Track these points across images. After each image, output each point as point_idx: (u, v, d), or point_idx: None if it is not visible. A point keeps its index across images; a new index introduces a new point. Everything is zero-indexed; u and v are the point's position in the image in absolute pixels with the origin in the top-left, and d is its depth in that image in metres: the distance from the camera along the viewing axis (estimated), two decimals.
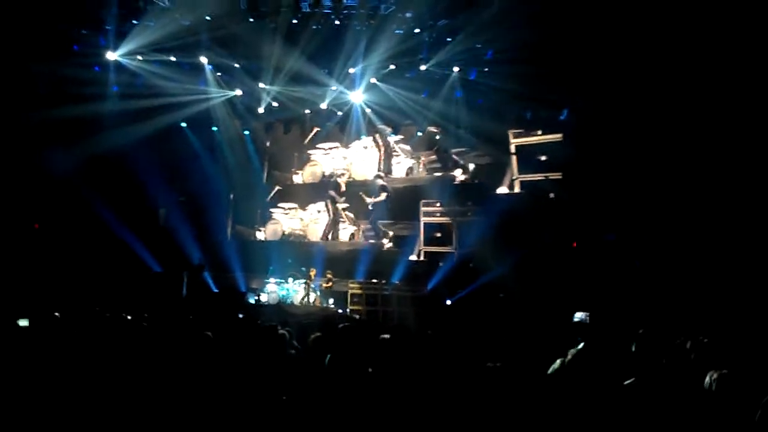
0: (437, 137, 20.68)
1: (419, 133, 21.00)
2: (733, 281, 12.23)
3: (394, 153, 21.45)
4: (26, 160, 18.01)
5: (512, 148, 18.68)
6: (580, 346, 6.05)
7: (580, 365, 5.59)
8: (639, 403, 5.00)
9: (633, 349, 6.97)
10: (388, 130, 21.03)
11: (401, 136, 21.34)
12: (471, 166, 19.74)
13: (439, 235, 18.24)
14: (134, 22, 18.02)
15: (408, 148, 21.42)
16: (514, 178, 18.55)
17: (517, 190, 18.39)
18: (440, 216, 18.49)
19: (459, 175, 19.81)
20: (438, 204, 18.61)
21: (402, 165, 21.41)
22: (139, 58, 19.16)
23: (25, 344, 6.71)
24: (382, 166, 21.22)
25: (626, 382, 5.30)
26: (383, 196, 19.46)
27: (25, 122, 17.93)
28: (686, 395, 4.96)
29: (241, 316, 8.73)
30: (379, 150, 21.60)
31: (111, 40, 18.57)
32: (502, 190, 18.67)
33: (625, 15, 14.13)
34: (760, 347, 6.26)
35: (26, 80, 18.01)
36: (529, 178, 18.13)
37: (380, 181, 19.97)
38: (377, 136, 21.45)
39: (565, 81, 15.93)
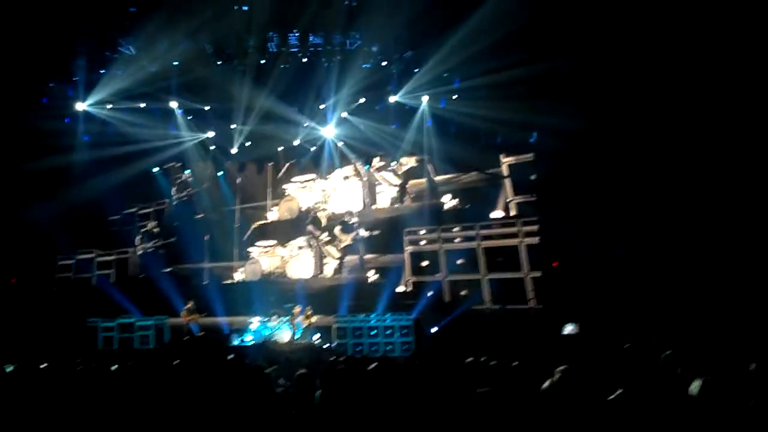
0: (422, 165, 20.32)
1: (393, 163, 20.81)
2: (707, 291, 12.42)
3: (377, 182, 21.08)
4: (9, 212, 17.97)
5: (504, 170, 18.46)
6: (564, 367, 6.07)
7: (569, 383, 5.59)
8: (627, 415, 5.02)
9: (620, 361, 7.04)
10: (362, 161, 20.99)
11: (382, 163, 21.04)
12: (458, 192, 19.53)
13: (426, 263, 17.85)
14: (102, 71, 18.07)
15: (391, 176, 21.03)
16: (508, 200, 18.29)
17: (513, 212, 18.01)
18: (426, 244, 18.13)
19: (448, 201, 19.44)
20: (423, 231, 18.28)
21: (385, 194, 20.94)
22: (109, 106, 19.21)
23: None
24: (365, 198, 20.90)
25: (613, 396, 5.32)
26: (362, 233, 19.39)
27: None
28: (672, 404, 5.00)
29: (231, 357, 8.66)
30: (361, 180, 21.15)
31: (80, 91, 18.62)
32: (497, 213, 18.33)
33: (585, 37, 14.46)
34: (740, 353, 6.34)
35: None
36: (523, 200, 17.88)
37: (352, 219, 19.72)
38: (358, 165, 21.16)
39: (532, 104, 16.18)
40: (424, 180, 20.09)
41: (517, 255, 16.40)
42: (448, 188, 19.72)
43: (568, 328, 13.93)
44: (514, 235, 16.65)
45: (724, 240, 12.80)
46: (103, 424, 6.22)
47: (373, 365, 7.27)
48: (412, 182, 20.55)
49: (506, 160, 18.48)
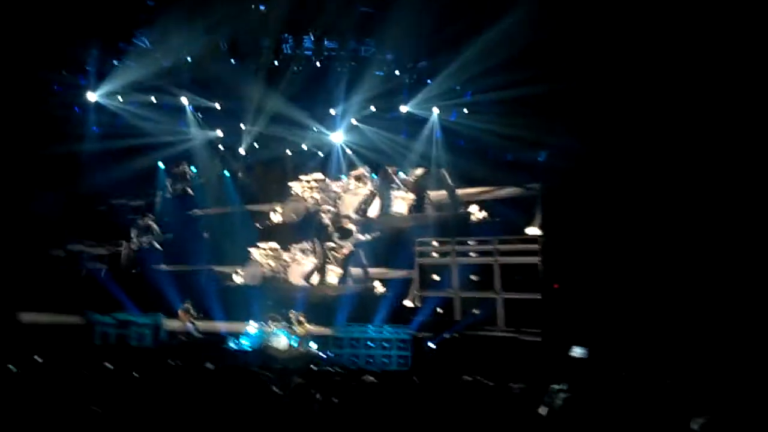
0: (433, 176, 19.34)
1: (401, 174, 19.96)
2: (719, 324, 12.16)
3: (392, 188, 19.85)
4: (7, 199, 17.82)
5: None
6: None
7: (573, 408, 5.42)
8: None
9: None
10: (369, 169, 20.41)
11: (392, 169, 19.95)
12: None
13: (437, 278, 16.90)
14: (115, 63, 18.01)
15: (410, 180, 19.81)
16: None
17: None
18: (439, 256, 17.22)
19: (476, 212, 18.44)
20: (435, 243, 17.39)
21: (400, 202, 19.71)
22: (120, 98, 19.14)
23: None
24: (369, 205, 19.99)
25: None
26: (360, 237, 19.01)
27: (6, 162, 17.76)
28: None
29: (210, 366, 8.40)
30: (368, 187, 20.26)
31: (91, 81, 18.55)
32: (533, 230, 17.00)
33: (602, 55, 14.31)
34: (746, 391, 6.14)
35: (6, 121, 17.85)
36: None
37: (350, 225, 19.28)
38: (366, 171, 20.42)
39: (544, 123, 16.01)
40: (443, 192, 19.16)
41: (536, 275, 15.51)
42: (471, 200, 18.70)
43: (577, 351, 13.60)
44: (534, 253, 16.01)
45: (739, 260, 12.52)
46: (98, 423, 6.06)
47: (371, 379, 7.10)
48: (433, 192, 19.46)
49: None
